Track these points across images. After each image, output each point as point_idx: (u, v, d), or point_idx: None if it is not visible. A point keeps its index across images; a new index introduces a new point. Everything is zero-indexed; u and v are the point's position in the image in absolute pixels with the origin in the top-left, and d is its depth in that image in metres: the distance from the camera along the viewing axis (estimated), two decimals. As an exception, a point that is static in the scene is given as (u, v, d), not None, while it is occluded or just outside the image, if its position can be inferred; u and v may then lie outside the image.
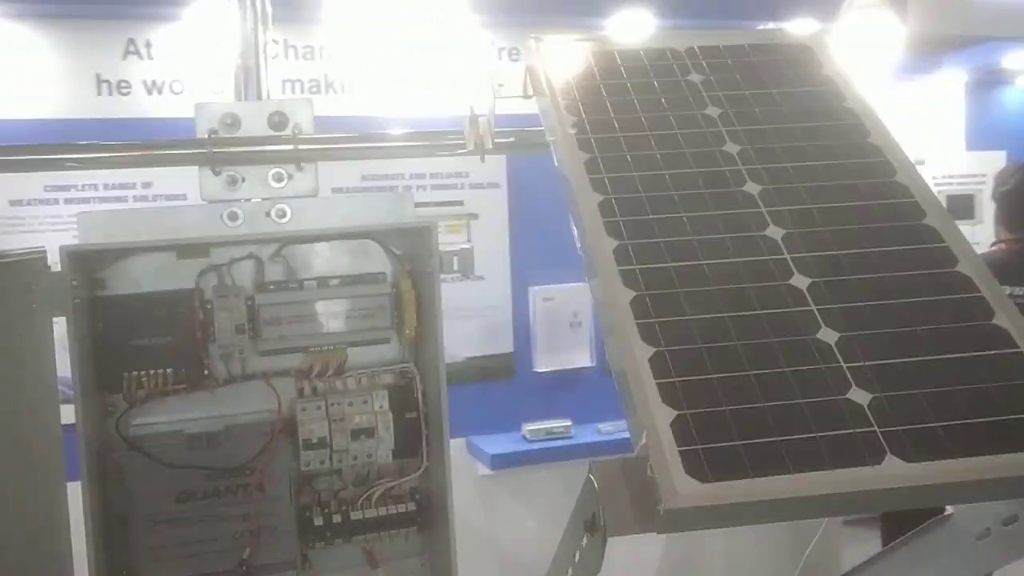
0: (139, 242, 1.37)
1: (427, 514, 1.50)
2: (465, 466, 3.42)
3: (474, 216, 3.57)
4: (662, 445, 0.86)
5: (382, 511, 1.47)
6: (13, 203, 3.08)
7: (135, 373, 1.39)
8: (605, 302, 1.03)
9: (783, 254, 1.09)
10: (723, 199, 1.15)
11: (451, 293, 3.48)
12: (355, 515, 1.46)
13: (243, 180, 1.44)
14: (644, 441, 0.88)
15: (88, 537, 1.28)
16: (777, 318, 1.01)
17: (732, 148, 1.23)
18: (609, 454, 0.88)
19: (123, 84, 3.25)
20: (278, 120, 1.43)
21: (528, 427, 3.40)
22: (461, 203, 3.55)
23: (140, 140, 1.51)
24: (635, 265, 1.06)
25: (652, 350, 0.96)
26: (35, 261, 1.31)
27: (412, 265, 1.48)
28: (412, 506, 1.49)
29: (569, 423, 3.40)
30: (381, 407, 1.46)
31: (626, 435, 0.91)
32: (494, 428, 3.45)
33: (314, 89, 3.44)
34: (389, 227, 1.47)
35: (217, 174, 1.42)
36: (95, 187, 3.18)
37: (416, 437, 1.48)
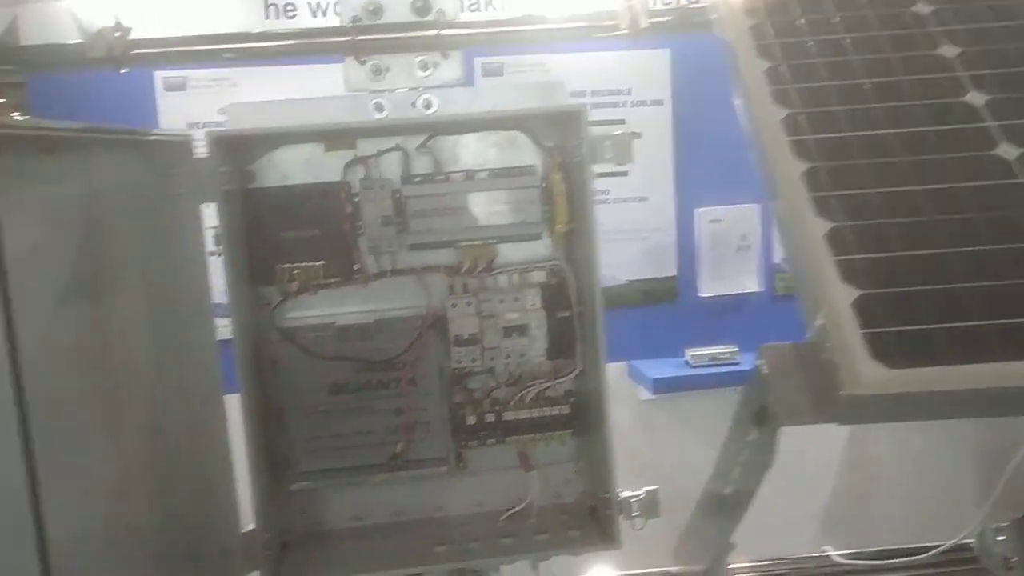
0: (285, 128, 1.36)
1: (583, 418, 1.44)
2: (627, 390, 3.36)
3: (637, 135, 3.43)
4: (841, 327, 0.76)
5: (535, 412, 1.43)
6: (191, 125, 3.20)
7: (287, 266, 1.39)
8: (773, 177, 0.92)
9: (985, 121, 0.95)
10: (913, 63, 1.02)
11: (613, 215, 3.43)
12: (508, 415, 1.43)
13: (388, 70, 1.40)
14: (821, 322, 0.78)
15: (247, 424, 1.30)
16: (980, 192, 0.88)
17: (924, 8, 1.08)
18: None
19: (289, 7, 3.30)
20: (421, 6, 1.38)
21: (692, 352, 3.29)
22: (623, 122, 3.42)
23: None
24: (807, 135, 0.95)
25: (829, 225, 0.86)
26: (180, 143, 1.32)
27: (563, 157, 1.41)
28: (567, 409, 1.44)
29: (735, 349, 3.26)
30: (533, 305, 1.40)
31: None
32: (656, 353, 3.36)
33: (473, 6, 3.39)
34: (535, 112, 1.40)
35: (362, 64, 1.39)
36: (266, 109, 3.26)
37: (570, 337, 1.42)
